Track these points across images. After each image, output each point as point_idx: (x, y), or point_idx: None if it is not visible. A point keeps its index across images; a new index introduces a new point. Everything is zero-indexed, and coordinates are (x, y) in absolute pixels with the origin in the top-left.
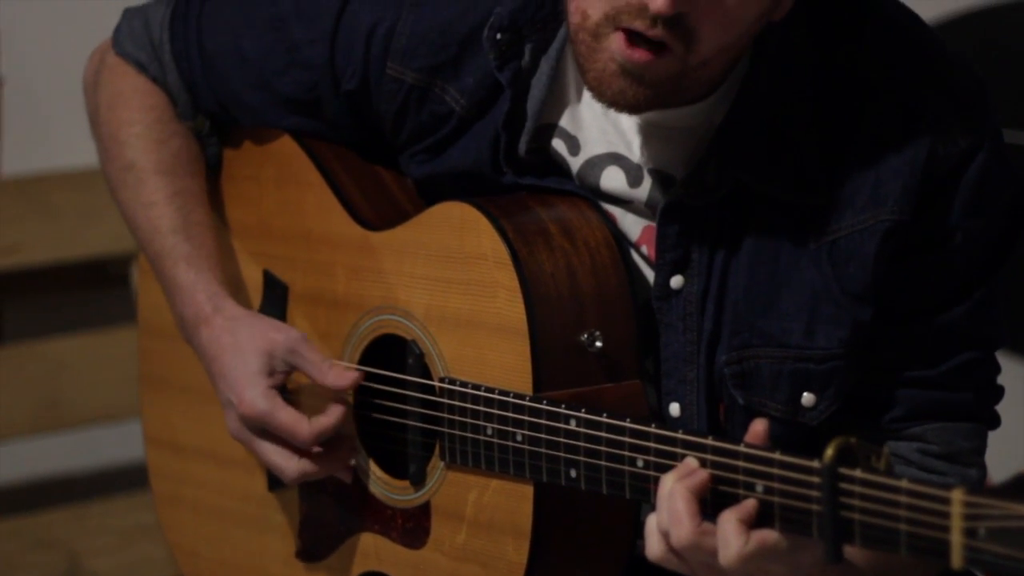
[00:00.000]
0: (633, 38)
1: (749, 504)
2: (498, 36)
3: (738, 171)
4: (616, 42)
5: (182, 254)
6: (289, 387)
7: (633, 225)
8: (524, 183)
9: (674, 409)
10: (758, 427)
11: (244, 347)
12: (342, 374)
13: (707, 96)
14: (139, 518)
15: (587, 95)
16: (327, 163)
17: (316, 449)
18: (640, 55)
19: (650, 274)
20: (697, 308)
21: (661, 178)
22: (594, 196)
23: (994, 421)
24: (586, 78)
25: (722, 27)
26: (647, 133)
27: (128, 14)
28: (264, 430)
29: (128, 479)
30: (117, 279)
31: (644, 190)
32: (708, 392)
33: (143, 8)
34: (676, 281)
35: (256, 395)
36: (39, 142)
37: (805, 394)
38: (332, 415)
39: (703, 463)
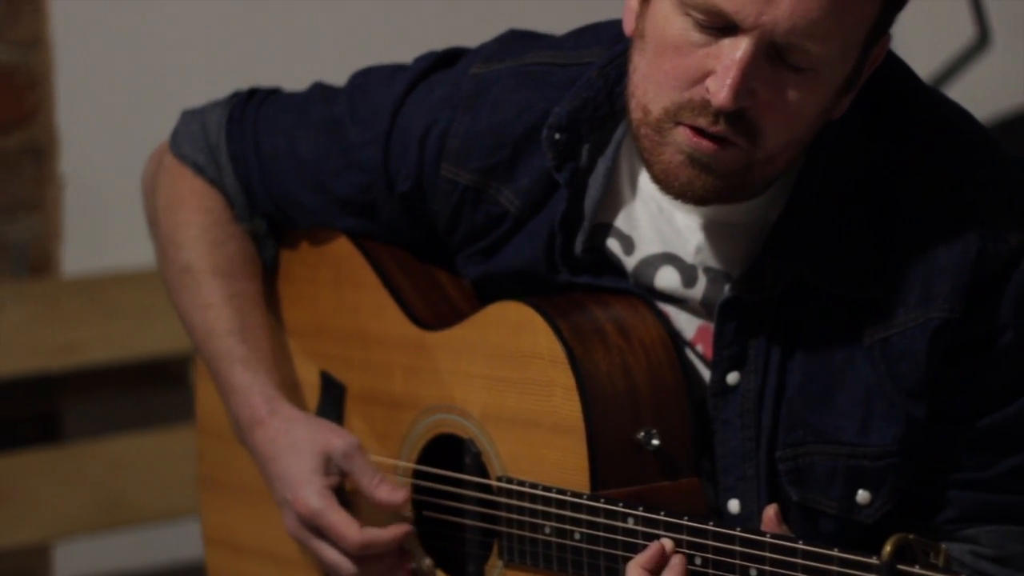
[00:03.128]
0: (697, 132)
1: None
2: (556, 136)
3: (796, 267)
4: (682, 134)
5: (238, 356)
6: (348, 488)
7: (687, 324)
8: (579, 282)
9: (733, 506)
10: (769, 512)
11: (301, 447)
12: (392, 492)
13: (764, 191)
14: None
15: (642, 194)
16: (383, 263)
17: (371, 553)
18: (707, 144)
19: (705, 372)
20: (754, 404)
21: (716, 276)
22: (649, 295)
23: None
24: (652, 171)
25: (784, 123)
26: (704, 231)
27: (186, 116)
28: (319, 529)
29: None
30: (175, 378)
31: (699, 290)
32: (768, 488)
33: (201, 110)
34: (732, 377)
35: (311, 493)
36: (99, 242)
37: (860, 491)
38: (388, 532)
39: (761, 561)
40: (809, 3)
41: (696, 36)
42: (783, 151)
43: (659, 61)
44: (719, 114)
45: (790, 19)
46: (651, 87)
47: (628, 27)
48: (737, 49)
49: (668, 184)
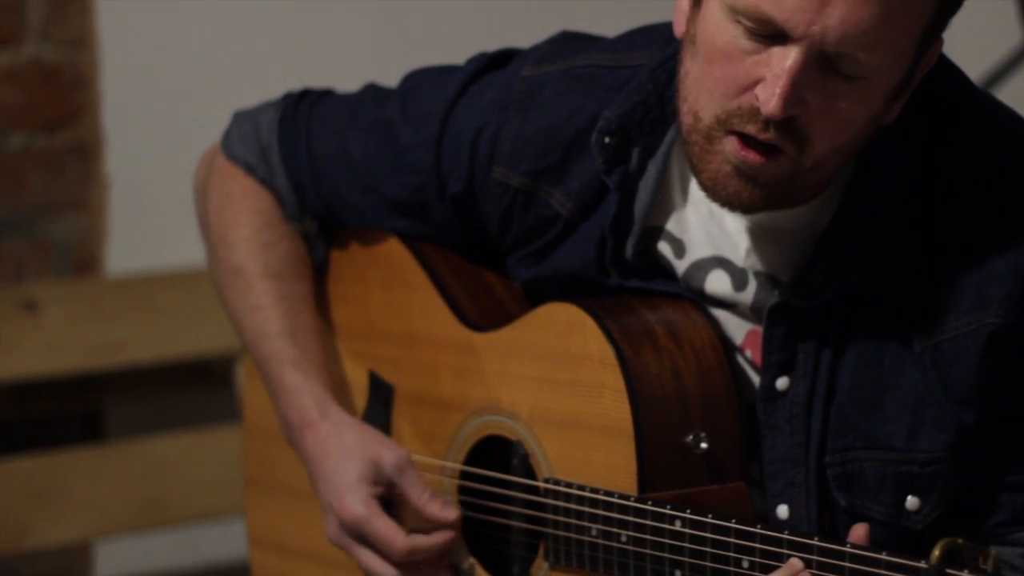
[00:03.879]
0: (747, 140)
1: None
2: (606, 140)
3: (845, 273)
4: (730, 144)
5: (289, 358)
6: (395, 495)
7: (737, 329)
8: (630, 285)
9: (782, 511)
10: (859, 531)
11: (350, 453)
12: (443, 510)
13: (814, 197)
14: None
15: (692, 198)
16: (433, 265)
17: (416, 559)
18: (754, 156)
19: (754, 377)
20: (804, 409)
21: (767, 281)
22: (699, 299)
23: None
24: (700, 179)
25: (834, 130)
26: (754, 235)
27: (238, 117)
28: (362, 537)
29: None
30: (220, 378)
31: (749, 293)
32: (818, 494)
33: (253, 111)
34: (782, 383)
35: (356, 500)
36: (144, 241)
37: (909, 497)
38: (433, 538)
39: (808, 564)
40: (860, 12)
41: (746, 43)
42: (831, 158)
43: (710, 68)
44: (769, 122)
45: (841, 28)
46: (702, 94)
47: (679, 29)
48: (787, 58)
49: (716, 193)
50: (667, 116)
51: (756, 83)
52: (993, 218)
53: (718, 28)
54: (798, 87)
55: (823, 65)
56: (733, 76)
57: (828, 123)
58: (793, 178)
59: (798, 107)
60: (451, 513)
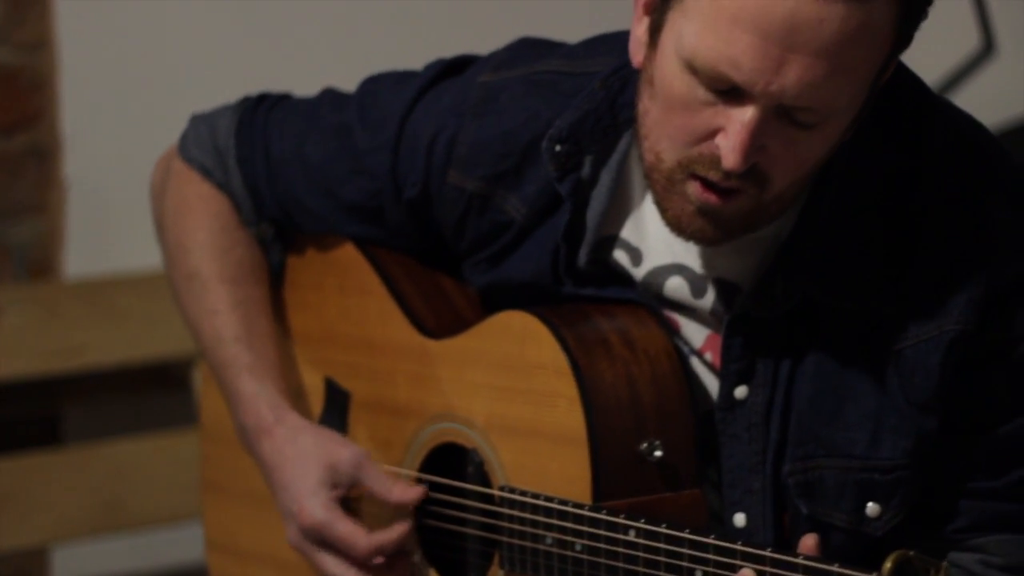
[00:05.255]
0: (708, 184)
1: None
2: (557, 148)
3: (805, 283)
4: (692, 187)
5: (245, 363)
6: (351, 495)
7: (696, 333)
8: (584, 294)
9: (739, 519)
10: (809, 541)
11: (307, 458)
12: (407, 490)
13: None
14: None
15: (651, 204)
16: (389, 271)
17: (376, 561)
18: (715, 199)
19: (714, 382)
20: (762, 419)
21: (725, 287)
22: (657, 302)
23: None
24: (664, 216)
25: (794, 167)
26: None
27: (195, 120)
28: (323, 541)
29: None
30: (177, 382)
31: (708, 300)
32: (774, 502)
33: (210, 115)
34: (741, 391)
35: (316, 505)
36: (102, 245)
37: (870, 504)
38: (393, 532)
39: (762, 574)
40: (816, 70)
41: (703, 95)
42: (791, 187)
43: (668, 115)
44: (730, 173)
45: (798, 86)
46: (663, 138)
47: (635, 59)
48: (746, 113)
49: (680, 230)
50: (619, 124)
51: (716, 132)
52: (954, 226)
53: (675, 78)
54: (757, 140)
55: (781, 115)
56: (693, 125)
57: (788, 163)
58: (755, 211)
59: (758, 155)
60: (415, 491)
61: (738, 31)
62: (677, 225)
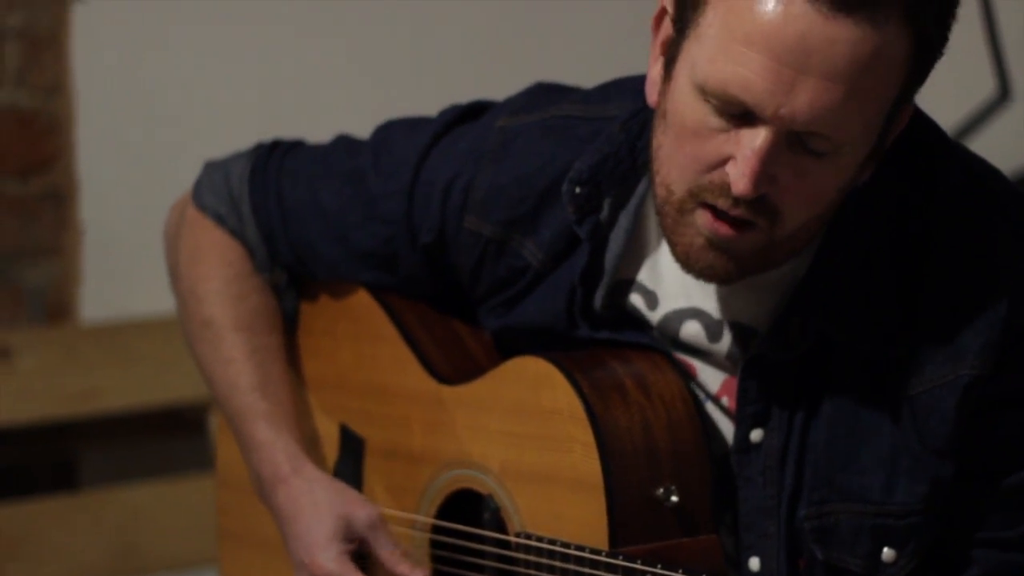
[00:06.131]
0: (718, 213)
1: None
2: (577, 190)
3: (822, 324)
4: (702, 217)
5: (260, 412)
6: (367, 551)
7: (712, 377)
8: (600, 337)
9: (754, 564)
10: None
11: (322, 510)
12: (412, 570)
13: (790, 259)
14: None
15: (666, 249)
16: (402, 317)
17: None
18: (726, 229)
19: (729, 426)
20: (777, 462)
21: (742, 331)
22: (673, 347)
23: None
24: (675, 251)
25: (806, 203)
26: (730, 287)
27: (209, 167)
28: None
29: None
30: (193, 426)
31: (724, 344)
32: (789, 546)
33: (224, 162)
34: (756, 435)
35: (328, 558)
36: (118, 289)
37: (885, 549)
38: None
39: None
40: (829, 95)
41: (715, 121)
42: (804, 226)
43: (680, 144)
44: (739, 199)
45: (809, 111)
46: (674, 169)
47: (651, 99)
48: (756, 138)
49: (690, 265)
50: (638, 168)
51: (726, 160)
52: (970, 269)
53: (687, 106)
54: (768, 167)
55: (793, 143)
56: (704, 153)
57: (799, 197)
58: (767, 249)
59: (768, 185)
60: (420, 574)
61: (750, 52)
62: (686, 260)
